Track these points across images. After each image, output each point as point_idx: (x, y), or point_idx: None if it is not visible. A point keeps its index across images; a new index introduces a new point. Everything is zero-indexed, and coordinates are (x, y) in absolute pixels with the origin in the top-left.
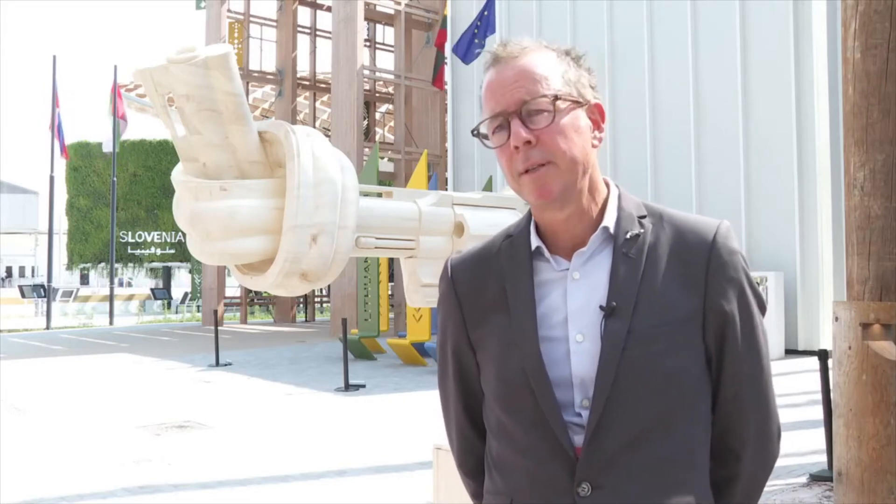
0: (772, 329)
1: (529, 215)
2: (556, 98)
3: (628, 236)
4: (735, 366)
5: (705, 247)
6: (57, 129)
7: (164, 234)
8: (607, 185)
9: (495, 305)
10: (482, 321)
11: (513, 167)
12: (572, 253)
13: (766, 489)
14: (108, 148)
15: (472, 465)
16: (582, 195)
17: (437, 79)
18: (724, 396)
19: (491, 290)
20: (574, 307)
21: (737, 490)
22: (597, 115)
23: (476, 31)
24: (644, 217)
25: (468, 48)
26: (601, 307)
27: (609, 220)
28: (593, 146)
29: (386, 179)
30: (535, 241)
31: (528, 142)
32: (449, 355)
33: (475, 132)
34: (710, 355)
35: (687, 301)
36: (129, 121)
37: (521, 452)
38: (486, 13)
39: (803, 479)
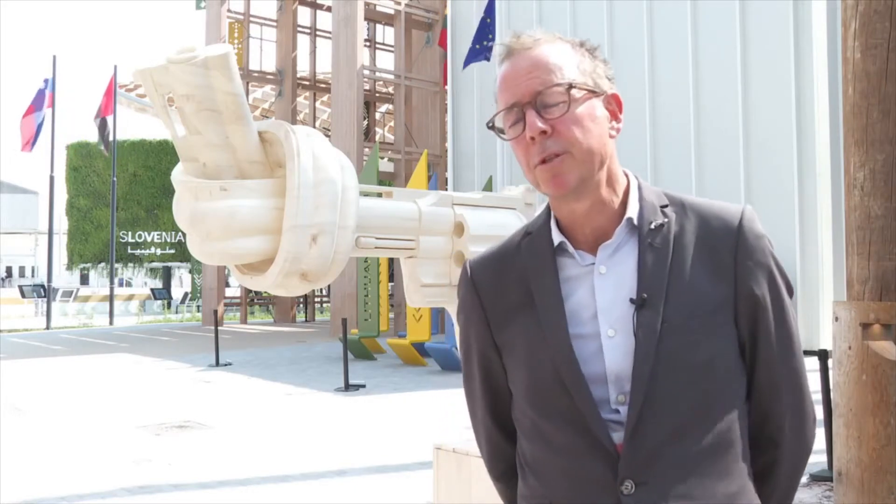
0: None
1: (548, 211)
2: (571, 87)
3: (653, 226)
4: (769, 351)
5: (732, 232)
6: (35, 127)
7: (164, 234)
8: (626, 176)
9: (520, 305)
10: (507, 322)
11: (529, 159)
12: (595, 247)
13: None
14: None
15: (503, 469)
16: (600, 186)
17: (445, 79)
18: (759, 382)
19: (514, 289)
20: (603, 302)
21: (779, 476)
22: (614, 106)
23: (481, 42)
24: (666, 206)
25: (472, 54)
26: (631, 300)
27: (632, 211)
28: (611, 136)
29: (386, 179)
30: (557, 237)
31: (544, 132)
32: (474, 360)
33: (490, 125)
34: (743, 341)
35: (717, 288)
36: (119, 119)
37: (558, 453)
38: (488, 20)
39: (803, 479)
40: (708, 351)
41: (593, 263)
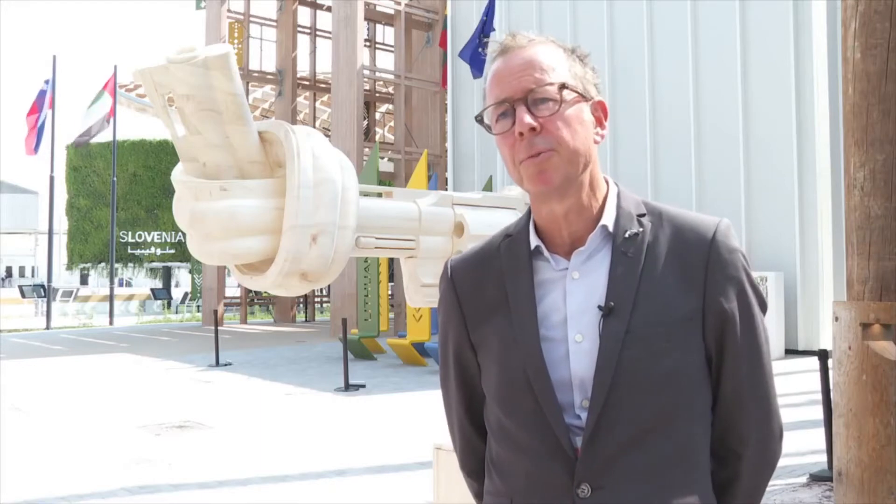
0: (772, 329)
1: (529, 214)
2: (564, 87)
3: (627, 235)
4: (735, 365)
5: (704, 245)
6: (37, 129)
7: (164, 234)
8: (607, 182)
9: (496, 305)
10: (483, 321)
11: (515, 155)
12: (571, 252)
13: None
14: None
15: (475, 465)
16: (582, 189)
17: (444, 78)
18: (724, 396)
19: (491, 289)
20: (573, 307)
21: (739, 490)
22: (600, 113)
23: (480, 38)
24: (643, 216)
25: (473, 56)
26: (599, 307)
27: (608, 219)
28: (595, 142)
29: (386, 179)
30: (534, 241)
31: (533, 128)
32: (450, 356)
33: (479, 118)
34: (710, 354)
35: (686, 300)
36: (119, 119)
37: (520, 453)
38: (485, 18)
39: (803, 479)
40: (672, 362)
41: (567, 268)
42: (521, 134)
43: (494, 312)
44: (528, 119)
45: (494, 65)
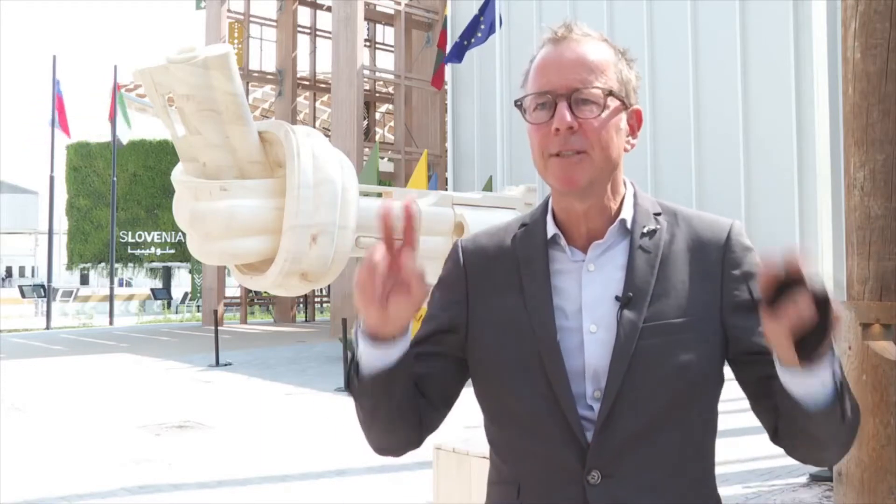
0: None
1: (545, 203)
2: (610, 93)
3: (645, 231)
4: (768, 359)
5: (720, 243)
6: (57, 124)
7: (164, 234)
8: (625, 183)
9: (507, 289)
10: (489, 304)
11: (546, 147)
12: (587, 244)
13: (765, 489)
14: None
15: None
16: (604, 192)
17: (436, 78)
18: (775, 387)
19: (503, 272)
20: (588, 298)
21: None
22: (634, 121)
23: (471, 37)
24: (659, 214)
25: (458, 50)
26: (617, 298)
27: (626, 215)
28: (625, 150)
29: (386, 179)
30: (551, 230)
31: (571, 128)
32: (433, 328)
33: (518, 103)
34: (727, 352)
35: (701, 295)
36: (119, 119)
37: (530, 439)
38: (481, 17)
39: (803, 479)
40: (684, 356)
41: (583, 260)
42: (557, 130)
43: (505, 295)
44: (568, 118)
45: (542, 51)
